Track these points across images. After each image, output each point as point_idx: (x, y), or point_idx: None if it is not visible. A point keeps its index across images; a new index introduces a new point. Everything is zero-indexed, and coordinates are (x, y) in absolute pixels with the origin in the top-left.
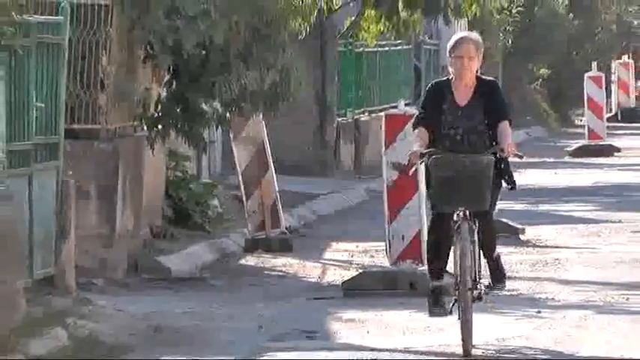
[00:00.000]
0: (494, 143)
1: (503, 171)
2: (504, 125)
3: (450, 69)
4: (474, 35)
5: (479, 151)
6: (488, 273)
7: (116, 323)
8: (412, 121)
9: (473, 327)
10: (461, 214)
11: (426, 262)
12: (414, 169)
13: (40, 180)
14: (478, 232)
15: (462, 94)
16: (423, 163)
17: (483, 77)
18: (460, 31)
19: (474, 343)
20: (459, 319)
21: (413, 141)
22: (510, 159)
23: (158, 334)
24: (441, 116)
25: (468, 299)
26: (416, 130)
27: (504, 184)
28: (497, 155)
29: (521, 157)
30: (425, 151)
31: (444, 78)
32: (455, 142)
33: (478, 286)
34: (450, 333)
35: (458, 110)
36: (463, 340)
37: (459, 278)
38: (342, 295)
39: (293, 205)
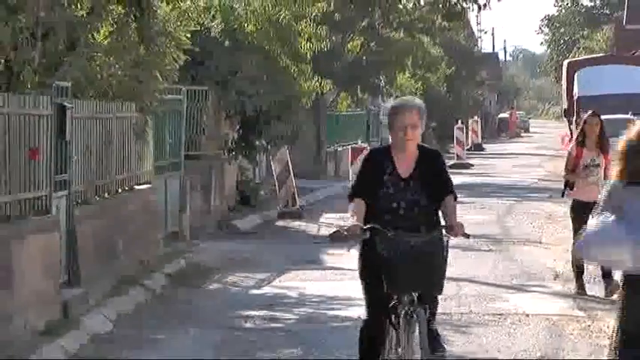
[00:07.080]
0: (435, 218)
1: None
2: (449, 201)
3: (390, 136)
4: (418, 100)
5: (421, 228)
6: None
7: (211, 256)
8: (348, 191)
9: None
10: (411, 298)
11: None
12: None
13: (170, 181)
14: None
15: (404, 165)
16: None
17: (425, 146)
18: (389, 102)
19: None
20: None
21: (350, 214)
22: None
23: (233, 262)
24: (380, 188)
25: None
26: (352, 203)
27: None
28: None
29: (468, 236)
30: (367, 226)
31: (383, 146)
32: (397, 217)
33: None
34: None
35: (400, 182)
36: None
37: None
38: (329, 241)
39: (303, 193)
